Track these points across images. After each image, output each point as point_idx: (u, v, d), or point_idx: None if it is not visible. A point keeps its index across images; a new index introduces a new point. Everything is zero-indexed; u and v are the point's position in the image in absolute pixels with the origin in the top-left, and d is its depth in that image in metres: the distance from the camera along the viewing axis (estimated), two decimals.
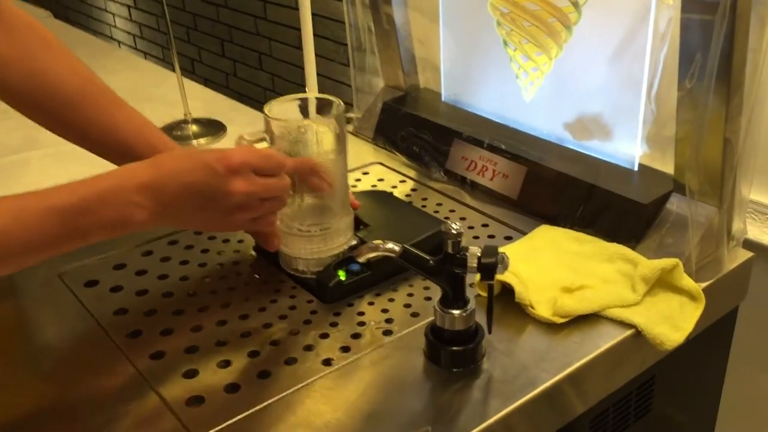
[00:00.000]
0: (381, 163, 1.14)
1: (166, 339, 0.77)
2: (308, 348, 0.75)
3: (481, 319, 0.73)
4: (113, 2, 3.24)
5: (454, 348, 0.71)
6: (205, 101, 2.06)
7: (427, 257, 0.70)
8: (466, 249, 0.68)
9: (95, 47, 2.53)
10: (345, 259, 0.83)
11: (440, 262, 0.69)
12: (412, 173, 1.11)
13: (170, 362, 0.74)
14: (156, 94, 2.07)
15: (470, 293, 0.74)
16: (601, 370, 0.74)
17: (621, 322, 0.76)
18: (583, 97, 0.96)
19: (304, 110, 0.84)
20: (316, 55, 2.17)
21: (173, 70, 1.79)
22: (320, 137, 0.79)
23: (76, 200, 0.63)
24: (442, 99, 1.16)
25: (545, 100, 1.01)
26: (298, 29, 1.47)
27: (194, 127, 1.85)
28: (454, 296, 0.70)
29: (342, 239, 0.84)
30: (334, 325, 0.78)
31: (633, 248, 0.85)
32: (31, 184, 1.61)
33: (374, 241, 0.72)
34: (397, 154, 1.15)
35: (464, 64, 1.10)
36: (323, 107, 0.83)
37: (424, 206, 1.02)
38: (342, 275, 0.82)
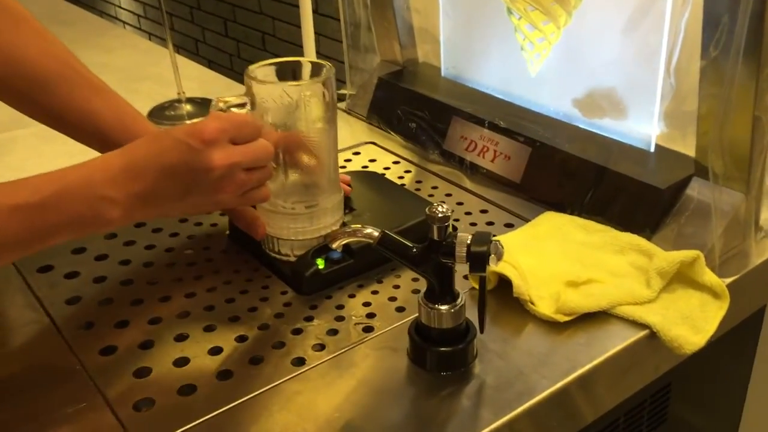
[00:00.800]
0: (374, 143, 1.06)
1: (120, 332, 0.69)
2: (278, 345, 0.67)
3: (472, 315, 0.64)
4: None
5: (442, 349, 0.63)
6: (203, 81, 2.00)
7: (410, 244, 0.61)
8: (455, 236, 0.59)
9: (93, 24, 2.47)
10: (323, 246, 0.74)
11: (425, 250, 0.61)
12: (407, 154, 1.03)
13: (121, 359, 0.66)
14: (152, 72, 2.01)
15: (463, 286, 0.65)
16: (609, 377, 0.65)
17: (633, 321, 0.67)
18: (594, 71, 0.87)
19: (290, 75, 0.75)
20: (319, 34, 2.09)
21: (172, 46, 1.72)
22: (307, 103, 0.70)
23: (40, 198, 0.57)
24: (442, 74, 1.07)
25: (552, 73, 0.92)
26: None
27: (188, 107, 1.79)
28: (441, 289, 0.62)
29: (330, 219, 0.76)
30: (309, 319, 0.70)
31: (648, 238, 0.76)
32: (17, 162, 1.55)
33: (352, 226, 0.64)
34: (392, 133, 1.06)
35: (465, 35, 1.01)
36: (311, 72, 0.74)
37: (418, 189, 0.94)
38: (321, 264, 0.74)
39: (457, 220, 0.86)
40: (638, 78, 0.82)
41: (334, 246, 0.63)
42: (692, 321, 0.67)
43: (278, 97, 0.70)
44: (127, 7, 3.21)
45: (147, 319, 0.70)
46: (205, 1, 2.67)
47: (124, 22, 3.26)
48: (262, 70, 0.72)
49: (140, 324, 0.70)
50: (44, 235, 0.58)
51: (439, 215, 0.59)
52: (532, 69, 0.94)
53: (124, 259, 0.80)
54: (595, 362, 0.63)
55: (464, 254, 0.59)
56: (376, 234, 0.62)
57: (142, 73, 2.03)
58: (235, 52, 2.66)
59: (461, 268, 0.61)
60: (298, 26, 2.24)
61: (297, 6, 2.16)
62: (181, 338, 0.68)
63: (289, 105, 0.70)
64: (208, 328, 0.69)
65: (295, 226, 0.75)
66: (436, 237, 0.60)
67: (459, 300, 0.62)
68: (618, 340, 0.66)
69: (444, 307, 0.62)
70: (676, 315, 0.68)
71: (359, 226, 0.63)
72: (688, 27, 0.74)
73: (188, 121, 1.74)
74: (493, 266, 0.60)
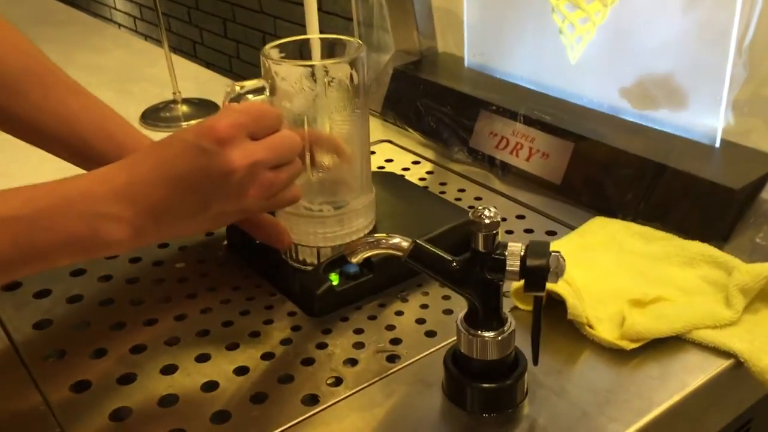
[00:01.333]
0: (390, 141, 0.96)
1: (96, 363, 0.59)
2: (286, 379, 0.56)
3: (522, 344, 0.52)
4: None
5: (485, 384, 0.51)
6: (200, 81, 1.90)
7: (449, 257, 0.50)
8: (504, 246, 0.48)
9: (86, 25, 2.38)
10: (337, 258, 0.63)
11: (467, 264, 0.49)
12: (428, 153, 0.93)
13: (96, 396, 0.55)
14: (148, 73, 1.92)
15: (505, 306, 0.54)
16: (689, 416, 0.54)
17: (714, 348, 0.56)
18: (646, 55, 0.77)
19: (310, 56, 0.66)
20: (323, 33, 1.98)
21: (169, 47, 1.61)
22: (334, 86, 0.61)
23: (30, 211, 0.48)
24: (466, 64, 0.97)
25: (596, 60, 0.82)
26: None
27: (184, 108, 1.68)
28: (486, 312, 0.50)
29: (362, 221, 0.66)
30: (321, 346, 0.59)
31: (719, 248, 0.64)
32: (0, 166, 1.44)
33: (374, 235, 0.53)
34: (410, 130, 0.96)
35: (493, 17, 0.91)
36: (337, 50, 0.65)
37: (442, 193, 0.83)
38: (334, 279, 0.63)
39: None
40: (700, 62, 0.72)
41: (353, 260, 0.52)
42: None
43: (301, 79, 0.59)
44: (122, 9, 3.11)
45: (129, 347, 0.60)
46: (204, 0, 2.57)
47: (120, 24, 3.17)
48: (279, 50, 0.62)
49: (120, 353, 0.59)
50: (36, 256, 0.49)
51: (487, 221, 0.47)
52: (572, 55, 0.83)
53: (104, 274, 0.69)
54: (675, 400, 0.52)
55: (517, 269, 0.47)
56: (405, 245, 0.50)
57: (136, 74, 1.93)
58: (234, 53, 2.56)
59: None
60: (302, 25, 2.14)
61: (300, 4, 2.06)
62: (168, 371, 0.57)
63: (313, 88, 0.59)
64: (202, 358, 0.59)
65: (323, 231, 0.64)
66: (481, 248, 0.48)
67: (507, 325, 0.51)
68: (698, 372, 0.54)
69: (489, 334, 0.50)
70: (764, 340, 0.56)
71: (384, 235, 0.52)
72: None
73: (184, 123, 1.63)
74: (552, 284, 0.48)
